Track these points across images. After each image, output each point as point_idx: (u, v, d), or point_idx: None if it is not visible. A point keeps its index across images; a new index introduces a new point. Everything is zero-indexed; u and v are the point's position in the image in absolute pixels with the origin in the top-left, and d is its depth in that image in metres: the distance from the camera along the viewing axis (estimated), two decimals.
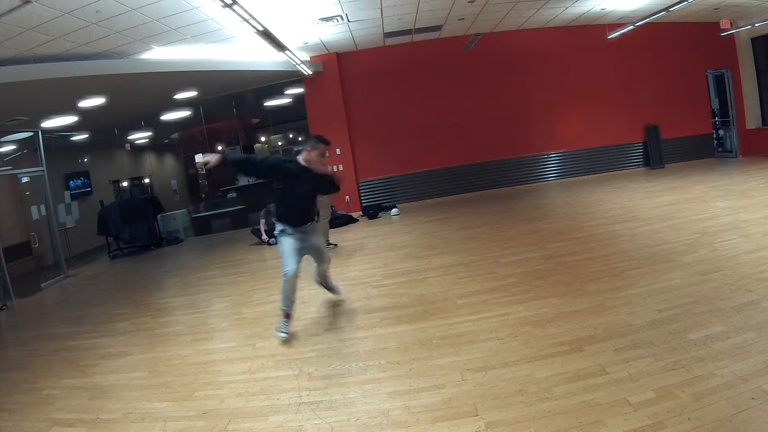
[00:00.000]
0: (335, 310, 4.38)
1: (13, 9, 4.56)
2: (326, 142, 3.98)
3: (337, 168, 10.06)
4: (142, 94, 8.65)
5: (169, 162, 13.10)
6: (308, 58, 9.63)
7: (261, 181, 11.31)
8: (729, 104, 11.02)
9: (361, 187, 10.23)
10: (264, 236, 8.21)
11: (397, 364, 3.11)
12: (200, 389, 3.15)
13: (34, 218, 8.50)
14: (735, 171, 9.21)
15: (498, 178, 10.59)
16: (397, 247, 6.60)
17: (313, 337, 3.78)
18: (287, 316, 3.88)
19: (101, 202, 10.48)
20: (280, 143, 12.40)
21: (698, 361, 2.57)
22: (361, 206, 10.01)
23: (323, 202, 6.42)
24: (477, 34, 9.34)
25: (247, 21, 5.19)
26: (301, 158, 3.91)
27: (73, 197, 10.20)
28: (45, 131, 8.63)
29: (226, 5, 4.62)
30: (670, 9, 7.96)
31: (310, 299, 4.81)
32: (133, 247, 10.01)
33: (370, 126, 10.01)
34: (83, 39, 5.78)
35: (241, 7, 4.79)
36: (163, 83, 8.10)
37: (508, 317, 3.59)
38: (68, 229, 9.53)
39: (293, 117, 11.33)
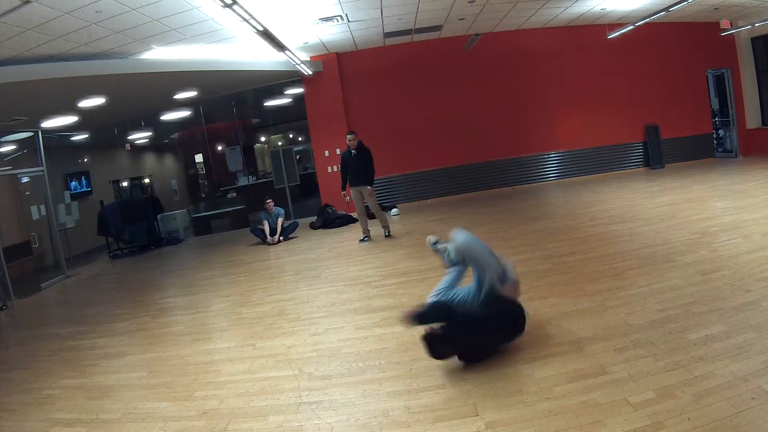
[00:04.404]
0: (335, 309, 4.38)
1: (13, 9, 4.56)
2: None
3: (338, 168, 10.07)
4: (142, 94, 8.65)
5: (169, 162, 13.11)
6: (308, 58, 9.63)
7: (261, 180, 11.38)
8: (729, 104, 11.02)
9: None
10: (269, 237, 8.21)
11: (397, 364, 3.11)
12: (200, 389, 3.15)
13: (34, 218, 8.50)
14: (735, 171, 9.20)
15: (498, 178, 10.58)
16: (397, 247, 6.60)
17: (313, 337, 3.78)
18: None
19: (101, 202, 10.48)
20: (280, 143, 12.41)
21: (698, 361, 2.57)
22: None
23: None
24: (477, 34, 9.34)
25: (247, 21, 5.20)
26: None
27: (73, 197, 10.20)
28: (45, 131, 8.63)
29: (226, 5, 4.62)
30: (670, 9, 7.96)
31: (311, 298, 4.82)
32: (133, 247, 10.01)
33: (370, 126, 9.99)
34: (83, 39, 5.78)
35: (241, 7, 4.80)
36: (163, 83, 8.10)
37: None
38: (68, 229, 9.53)
39: (293, 117, 11.34)
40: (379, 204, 7.46)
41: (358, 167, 7.05)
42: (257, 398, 2.91)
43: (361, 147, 7.12)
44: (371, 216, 7.55)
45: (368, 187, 7.07)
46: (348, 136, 7.17)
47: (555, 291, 3.99)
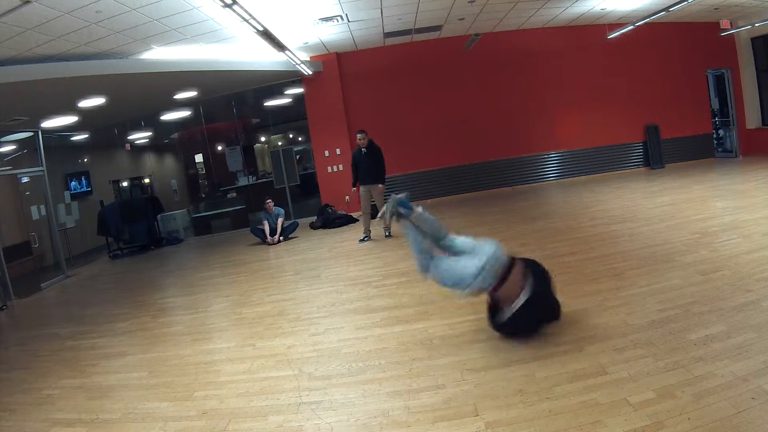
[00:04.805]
0: (335, 309, 4.38)
1: (13, 9, 4.55)
2: None
3: (338, 168, 10.08)
4: (142, 94, 8.65)
5: (169, 162, 13.10)
6: (308, 58, 9.62)
7: (261, 180, 11.38)
8: (729, 104, 11.02)
9: None
10: (269, 237, 8.21)
11: (397, 364, 3.11)
12: (200, 389, 3.15)
13: (34, 218, 8.50)
14: (735, 171, 9.20)
15: (498, 178, 10.58)
16: (397, 247, 6.60)
17: (313, 337, 3.78)
18: None
19: (101, 202, 10.48)
20: (280, 143, 12.41)
21: (698, 361, 2.57)
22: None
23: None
24: (477, 34, 9.34)
25: (247, 21, 5.20)
26: None
27: (73, 197, 10.20)
28: (45, 131, 8.63)
29: (226, 5, 4.62)
30: (670, 9, 7.96)
31: (311, 298, 4.82)
32: (133, 247, 10.01)
33: (370, 126, 9.93)
34: (83, 39, 5.78)
35: (241, 7, 4.80)
36: (163, 83, 8.10)
37: None
38: (68, 229, 9.53)
39: (293, 117, 11.34)
40: (377, 204, 7.48)
41: (368, 166, 7.10)
42: (257, 398, 2.91)
43: (371, 146, 7.16)
44: (374, 216, 7.57)
45: (380, 186, 7.13)
46: (358, 135, 7.20)
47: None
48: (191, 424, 2.72)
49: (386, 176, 7.37)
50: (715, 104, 11.66)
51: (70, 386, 3.51)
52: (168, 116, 10.75)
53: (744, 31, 10.28)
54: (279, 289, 5.42)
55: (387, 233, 7.30)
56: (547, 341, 3.08)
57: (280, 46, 6.68)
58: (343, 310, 4.35)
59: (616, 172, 10.64)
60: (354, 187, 7.40)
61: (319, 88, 9.98)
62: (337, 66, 9.98)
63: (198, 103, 10.45)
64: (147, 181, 12.25)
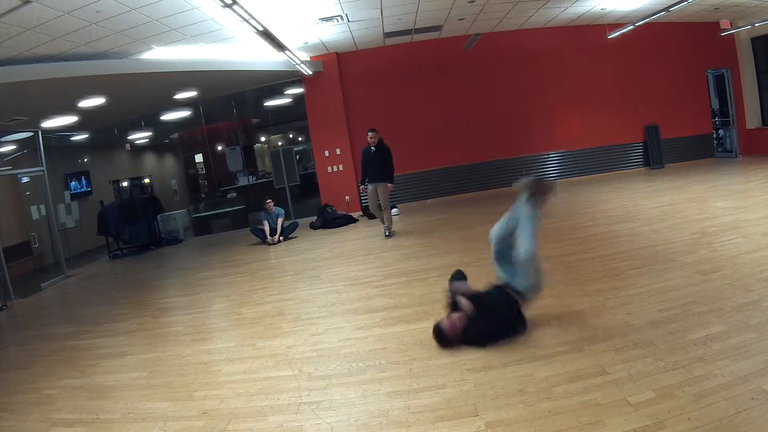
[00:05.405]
0: (335, 309, 4.38)
1: (13, 9, 4.55)
2: None
3: (338, 168, 10.08)
4: (142, 94, 8.65)
5: (169, 162, 13.11)
6: (308, 58, 9.63)
7: (261, 180, 11.39)
8: (729, 104, 11.02)
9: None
10: (269, 237, 8.21)
11: (397, 364, 3.11)
12: (200, 389, 3.15)
13: (34, 218, 8.50)
14: (735, 171, 9.20)
15: (498, 178, 10.56)
16: (397, 247, 6.60)
17: (313, 337, 3.78)
18: None
19: (101, 202, 10.48)
20: (280, 143, 12.41)
21: (698, 361, 2.57)
22: (362, 206, 10.02)
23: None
24: (477, 34, 9.34)
25: (247, 21, 5.20)
26: None
27: (73, 197, 10.19)
28: (45, 131, 8.63)
29: (226, 5, 4.63)
30: (670, 9, 7.96)
31: (311, 298, 4.82)
32: (133, 247, 10.01)
33: (370, 126, 9.99)
34: (83, 39, 5.78)
35: (241, 7, 4.80)
36: (163, 83, 8.10)
37: None
38: (68, 229, 9.53)
39: (293, 117, 11.35)
40: (377, 204, 7.50)
41: (377, 164, 7.16)
42: (257, 398, 2.91)
43: (381, 144, 7.23)
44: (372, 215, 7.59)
45: (388, 185, 7.20)
46: (369, 133, 7.29)
47: (555, 291, 3.98)
48: (191, 424, 2.72)
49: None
50: (715, 104, 11.66)
51: (70, 386, 3.51)
52: (168, 116, 10.75)
53: (744, 31, 10.28)
54: (279, 289, 5.42)
55: (387, 233, 7.31)
56: (547, 341, 3.08)
57: (280, 46, 6.68)
58: (343, 310, 4.35)
59: (616, 172, 10.64)
60: (363, 184, 7.48)
61: (319, 88, 9.98)
62: (337, 66, 9.98)
63: (198, 103, 10.45)
64: (147, 181, 12.25)
